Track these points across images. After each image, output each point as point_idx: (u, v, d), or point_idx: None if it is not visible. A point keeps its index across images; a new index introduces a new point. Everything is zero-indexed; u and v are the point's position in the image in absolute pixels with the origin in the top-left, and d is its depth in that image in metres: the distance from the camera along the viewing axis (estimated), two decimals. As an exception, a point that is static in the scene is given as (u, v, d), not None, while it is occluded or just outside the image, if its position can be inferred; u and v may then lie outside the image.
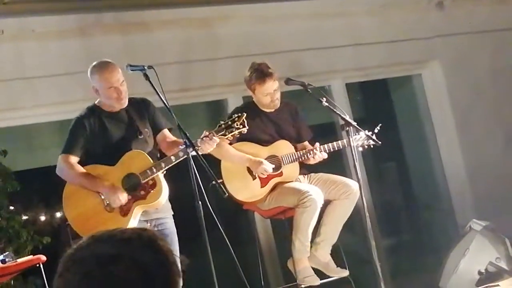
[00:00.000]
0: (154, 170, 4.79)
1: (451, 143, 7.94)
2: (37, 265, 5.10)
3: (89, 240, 1.68)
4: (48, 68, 6.10)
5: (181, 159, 4.75)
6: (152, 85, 4.62)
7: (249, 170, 5.60)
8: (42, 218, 6.74)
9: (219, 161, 5.56)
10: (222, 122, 4.87)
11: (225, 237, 4.55)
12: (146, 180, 4.80)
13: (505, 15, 8.12)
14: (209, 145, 4.76)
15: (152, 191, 4.83)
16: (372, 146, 5.76)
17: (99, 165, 4.87)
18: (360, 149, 5.75)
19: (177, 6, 6.54)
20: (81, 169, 4.84)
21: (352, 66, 7.49)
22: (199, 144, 4.73)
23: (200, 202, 4.53)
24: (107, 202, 4.81)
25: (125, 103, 4.91)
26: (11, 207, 6.06)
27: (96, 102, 4.99)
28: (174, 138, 5.06)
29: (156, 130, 5.09)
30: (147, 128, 5.02)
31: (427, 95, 8.07)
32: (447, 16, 7.96)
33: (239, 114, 4.90)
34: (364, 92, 8.14)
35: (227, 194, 4.53)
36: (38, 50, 6.12)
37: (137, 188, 4.82)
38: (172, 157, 4.79)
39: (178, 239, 4.96)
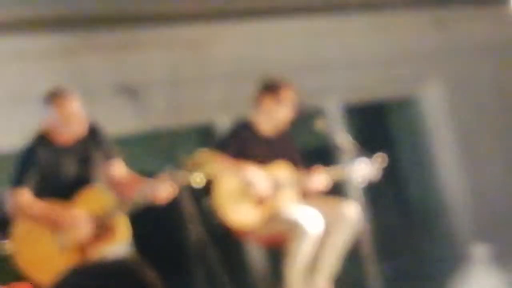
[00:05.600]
0: (116, 212, 4.61)
1: (451, 165, 7.91)
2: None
3: (70, 274, 1.66)
4: (32, 89, 5.98)
5: (146, 201, 4.57)
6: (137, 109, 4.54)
7: (244, 191, 5.46)
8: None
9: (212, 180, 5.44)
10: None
11: (217, 266, 4.50)
12: (109, 221, 4.60)
13: (506, 33, 8.10)
14: (164, 189, 4.54)
15: (111, 232, 4.62)
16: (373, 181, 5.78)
17: (55, 201, 4.66)
18: (359, 179, 5.73)
19: (167, 26, 6.49)
20: (41, 202, 4.62)
21: (348, 86, 7.44)
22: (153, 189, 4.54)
23: (191, 229, 4.48)
24: (63, 244, 4.58)
25: (82, 128, 4.72)
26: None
27: (44, 131, 4.79)
28: (126, 173, 4.88)
29: (108, 160, 4.87)
30: (101, 159, 4.83)
31: (427, 115, 8.06)
32: (446, 35, 7.93)
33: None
34: (361, 113, 8.10)
35: (218, 221, 4.44)
36: (23, 71, 6.00)
37: (97, 229, 4.61)
38: (137, 198, 4.58)
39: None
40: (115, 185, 4.84)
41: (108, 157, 4.88)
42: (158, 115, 4.70)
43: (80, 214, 4.57)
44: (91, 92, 5.99)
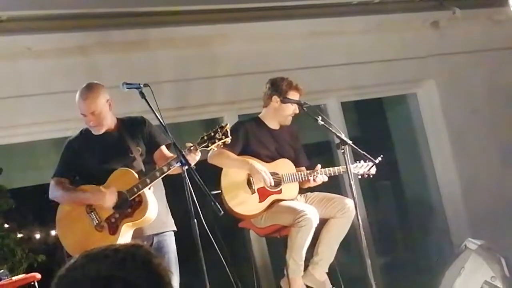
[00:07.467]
0: (140, 187, 4.74)
1: (446, 162, 7.95)
2: (32, 283, 5.09)
3: (82, 260, 1.68)
4: (45, 86, 6.09)
5: (166, 173, 4.72)
6: (148, 103, 4.59)
7: (249, 184, 5.59)
8: (37, 236, 6.73)
9: (219, 172, 5.56)
10: (205, 134, 4.78)
11: (221, 256, 4.53)
12: (133, 197, 4.75)
13: (500, 35, 8.16)
14: (192, 158, 4.66)
15: (138, 208, 4.77)
16: (371, 176, 5.82)
17: (87, 185, 4.89)
18: (359, 177, 5.80)
19: (175, 25, 6.53)
20: (69, 186, 4.90)
21: (347, 85, 7.50)
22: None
23: (196, 220, 4.47)
24: (96, 222, 4.80)
25: (99, 130, 4.91)
26: (6, 225, 6.06)
27: None
28: (170, 155, 4.98)
29: (154, 147, 5.04)
30: (139, 147, 4.98)
31: (422, 114, 8.10)
32: (442, 36, 8.00)
33: (222, 125, 4.83)
34: (360, 110, 8.15)
35: (222, 212, 4.48)
36: (36, 68, 6.11)
37: (125, 206, 4.78)
38: (157, 173, 4.75)
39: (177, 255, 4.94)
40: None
41: (155, 144, 5.04)
42: (165, 111, 4.74)
43: (104, 189, 4.77)
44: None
